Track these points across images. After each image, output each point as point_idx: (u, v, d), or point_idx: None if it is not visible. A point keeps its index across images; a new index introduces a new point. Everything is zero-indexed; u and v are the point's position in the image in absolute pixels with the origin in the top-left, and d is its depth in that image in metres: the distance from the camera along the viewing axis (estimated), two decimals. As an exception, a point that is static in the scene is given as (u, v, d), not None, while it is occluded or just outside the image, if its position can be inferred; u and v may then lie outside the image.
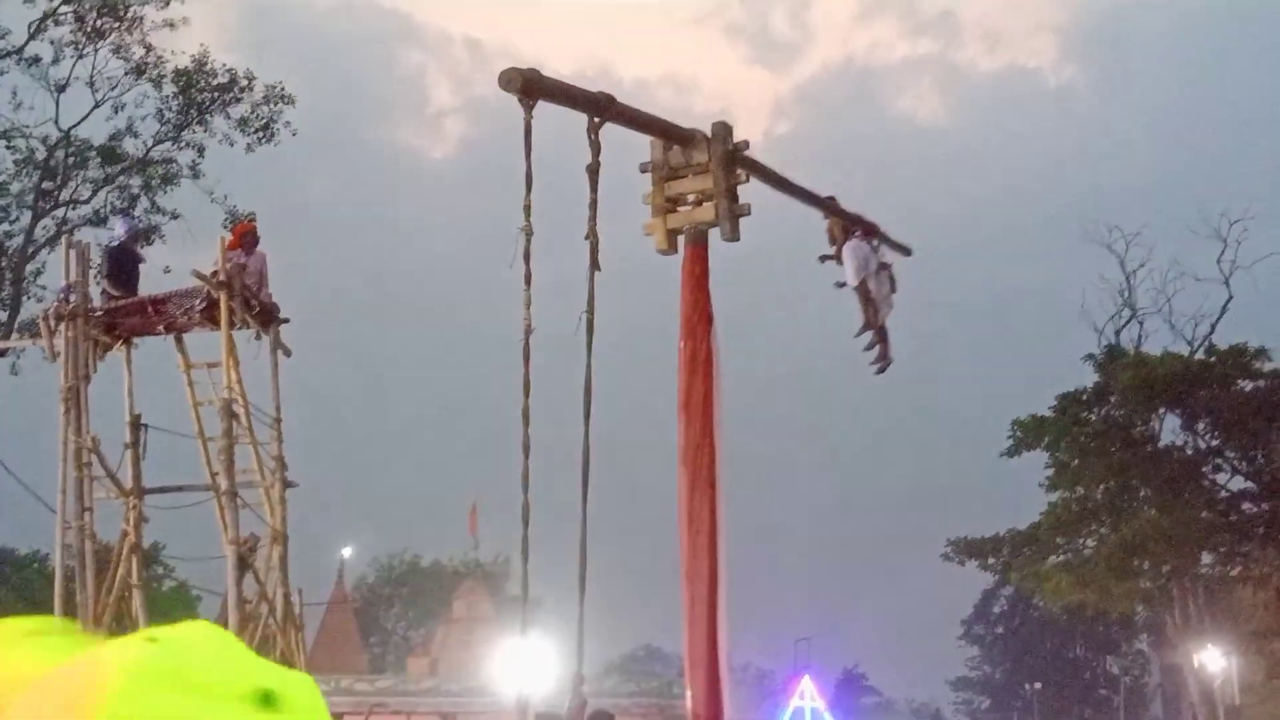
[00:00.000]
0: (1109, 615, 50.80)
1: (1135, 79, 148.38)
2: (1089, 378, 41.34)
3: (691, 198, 10.78)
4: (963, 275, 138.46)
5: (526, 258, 9.22)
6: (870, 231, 13.24)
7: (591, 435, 9.96)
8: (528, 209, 9.33)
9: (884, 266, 13.41)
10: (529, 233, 9.24)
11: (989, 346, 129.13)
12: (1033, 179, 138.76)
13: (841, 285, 13.40)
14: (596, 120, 9.74)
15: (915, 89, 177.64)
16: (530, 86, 9.09)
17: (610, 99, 9.99)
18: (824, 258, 13.50)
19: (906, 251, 13.73)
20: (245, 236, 17.73)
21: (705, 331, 10.58)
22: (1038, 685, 71.18)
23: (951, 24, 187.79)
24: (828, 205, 12.46)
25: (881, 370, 13.59)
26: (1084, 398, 41.03)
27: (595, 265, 9.80)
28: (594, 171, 9.87)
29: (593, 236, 9.68)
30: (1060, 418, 40.78)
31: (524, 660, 20.94)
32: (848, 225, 13.15)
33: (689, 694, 10.07)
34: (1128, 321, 43.68)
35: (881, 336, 13.46)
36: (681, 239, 10.76)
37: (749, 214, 10.76)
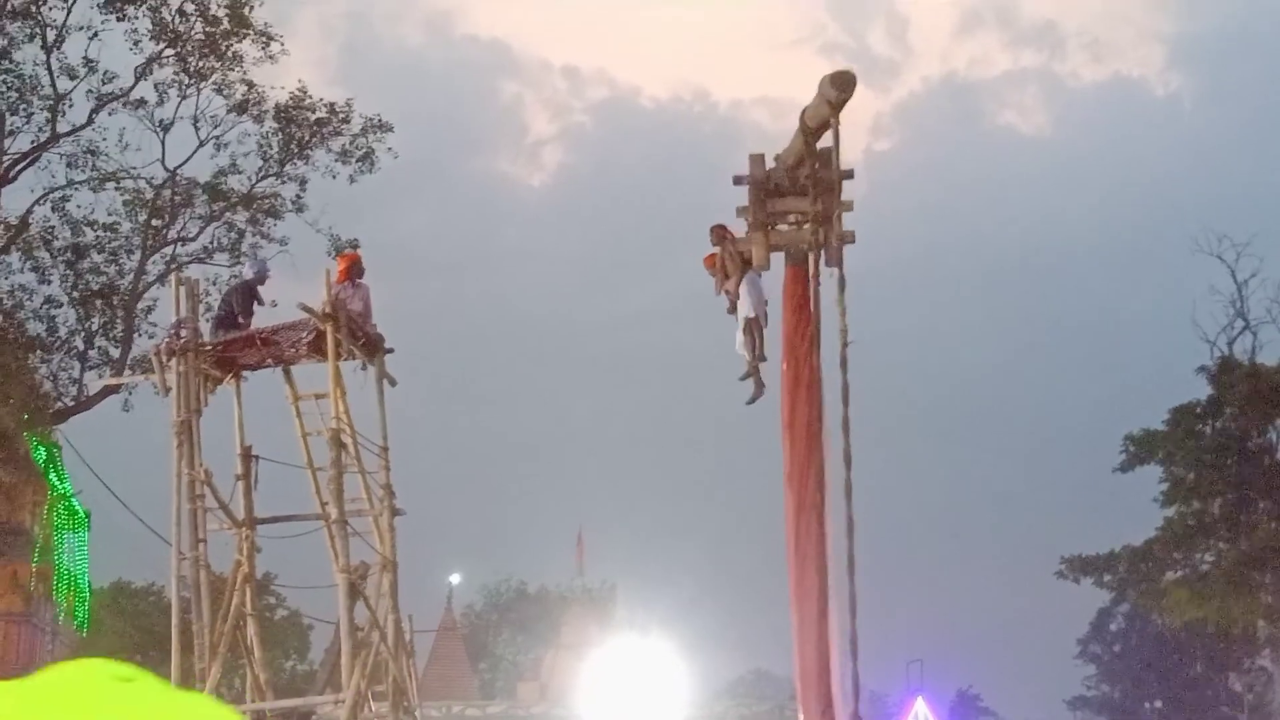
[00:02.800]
0: (1230, 631, 49.55)
1: (1244, 86, 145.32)
2: (1202, 390, 40.55)
3: (792, 218, 10.70)
4: (1071, 287, 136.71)
5: (840, 263, 9.14)
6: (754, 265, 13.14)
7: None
8: (840, 210, 9.22)
9: (765, 301, 13.32)
10: (843, 238, 9.14)
11: (1099, 360, 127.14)
12: (1139, 189, 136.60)
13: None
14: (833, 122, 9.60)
15: (1018, 102, 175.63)
16: (850, 93, 9.18)
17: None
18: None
19: None
20: (351, 268, 17.93)
21: (808, 353, 10.50)
22: (1158, 704, 69.65)
23: (1054, 35, 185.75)
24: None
25: (753, 400, 13.53)
26: (1198, 410, 40.26)
27: (838, 259, 9.49)
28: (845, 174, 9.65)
29: (839, 238, 9.42)
30: (1174, 431, 40.05)
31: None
32: (744, 256, 12.99)
33: (801, 717, 9.98)
34: (1241, 332, 42.76)
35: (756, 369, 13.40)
36: (781, 259, 10.69)
37: (854, 241, 10.66)
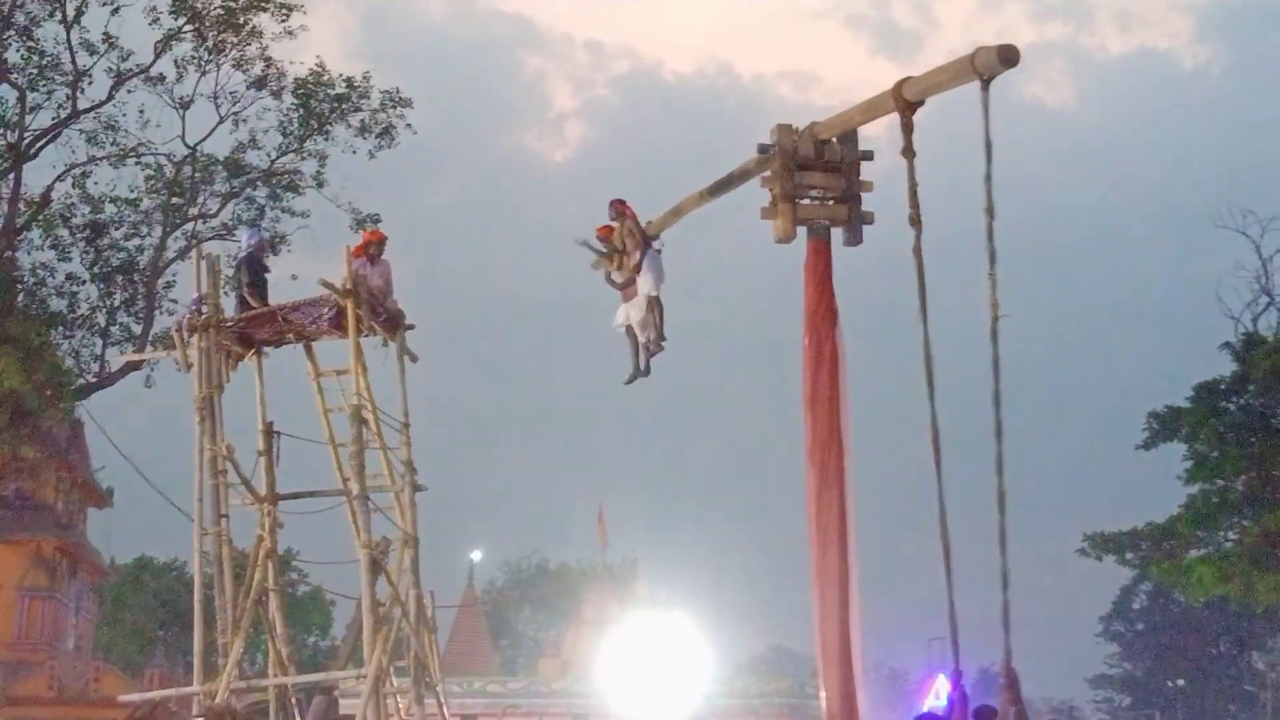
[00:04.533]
0: (1253, 609, 49.42)
1: (1274, 59, 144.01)
2: (1226, 367, 40.23)
3: (815, 192, 10.60)
4: (1094, 263, 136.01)
5: (990, 234, 8.99)
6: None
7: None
8: (989, 180, 9.03)
9: (663, 279, 13.39)
10: (992, 213, 8.97)
11: (1122, 335, 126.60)
12: (1165, 163, 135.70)
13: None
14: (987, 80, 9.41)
15: (1044, 74, 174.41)
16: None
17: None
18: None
19: None
20: (371, 245, 17.82)
21: (830, 328, 10.41)
22: (1180, 682, 69.52)
23: (1081, 6, 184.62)
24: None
25: (637, 378, 13.71)
26: (1222, 387, 39.94)
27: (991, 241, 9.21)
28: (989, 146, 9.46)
29: (989, 215, 9.19)
30: (1197, 408, 39.73)
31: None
32: (644, 234, 12.99)
33: (823, 694, 9.93)
34: (1265, 308, 42.36)
35: (649, 349, 13.53)
36: (803, 233, 10.58)
37: (872, 222, 10.58)
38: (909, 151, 9.53)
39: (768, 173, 10.47)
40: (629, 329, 13.56)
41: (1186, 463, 40.04)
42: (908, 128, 9.54)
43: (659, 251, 13.20)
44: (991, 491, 9.20)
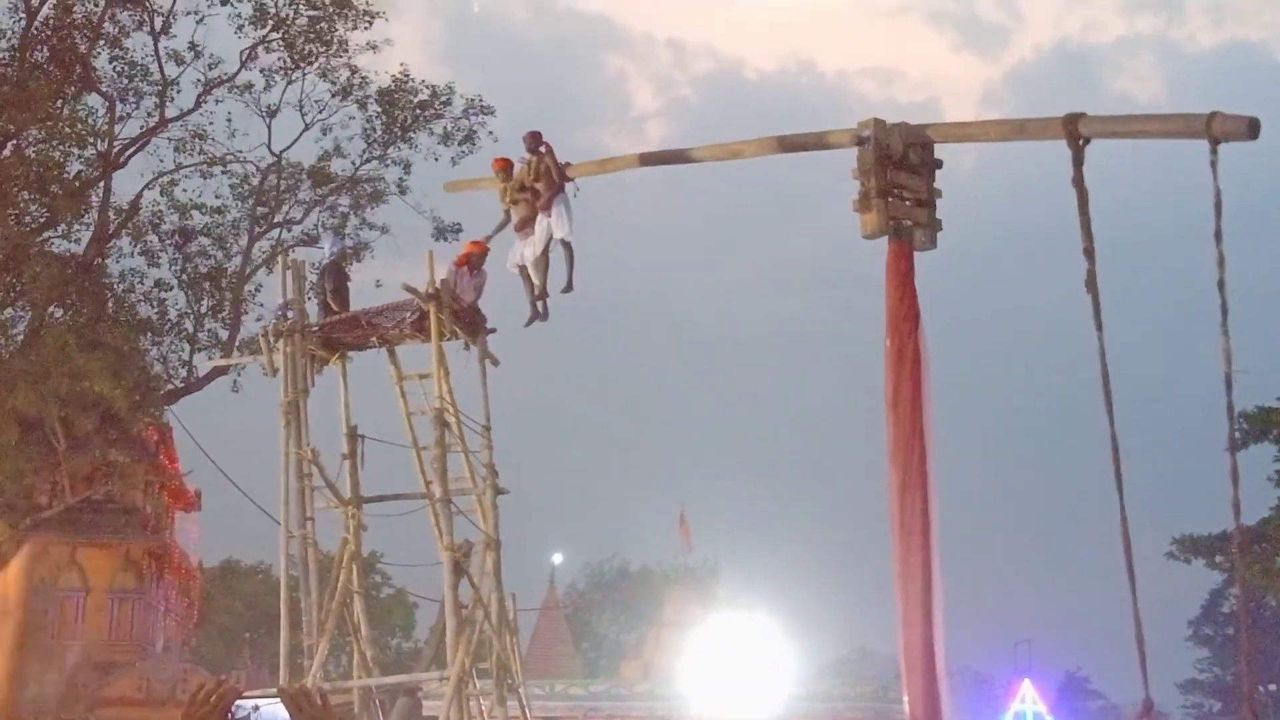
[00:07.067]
0: (1347, 614, 48.55)
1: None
2: (1319, 365, 39.62)
3: (900, 192, 10.55)
4: (1182, 263, 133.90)
5: (1222, 287, 9.14)
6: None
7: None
8: (1219, 237, 9.16)
9: None
10: (1223, 265, 9.13)
11: (1210, 335, 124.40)
12: (1255, 157, 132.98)
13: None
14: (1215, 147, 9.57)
15: (1133, 68, 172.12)
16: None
17: None
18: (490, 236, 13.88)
19: None
20: (474, 255, 17.57)
21: (912, 329, 10.33)
22: (1272, 688, 68.36)
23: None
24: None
25: (535, 321, 14.09)
26: (1313, 387, 39.32)
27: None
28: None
29: (1221, 267, 9.36)
30: (1289, 408, 39.13)
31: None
32: (562, 174, 12.86)
33: (906, 697, 9.86)
34: (1359, 305, 41.69)
35: (546, 291, 13.55)
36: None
37: (942, 229, 10.53)
38: (1079, 182, 9.49)
39: (858, 159, 10.38)
40: (522, 269, 13.51)
41: (1277, 464, 39.46)
42: (1078, 161, 9.50)
43: (573, 196, 13.10)
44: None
